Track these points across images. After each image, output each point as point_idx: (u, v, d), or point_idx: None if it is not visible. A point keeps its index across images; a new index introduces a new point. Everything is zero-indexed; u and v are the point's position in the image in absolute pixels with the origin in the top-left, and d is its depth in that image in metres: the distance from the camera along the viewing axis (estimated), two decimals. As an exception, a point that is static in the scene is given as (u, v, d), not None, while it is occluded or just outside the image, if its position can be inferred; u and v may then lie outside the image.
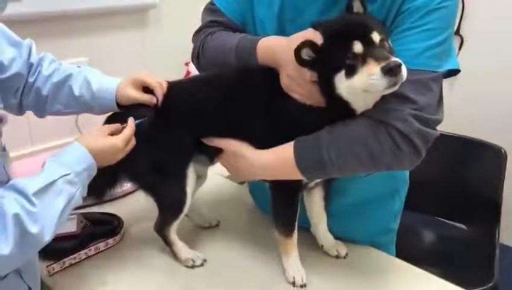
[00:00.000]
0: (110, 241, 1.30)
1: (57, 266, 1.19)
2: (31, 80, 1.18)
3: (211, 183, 1.40)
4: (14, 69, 1.12)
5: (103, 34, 1.94)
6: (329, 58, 0.97)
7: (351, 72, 0.94)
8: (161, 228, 1.24)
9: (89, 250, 1.25)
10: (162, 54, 2.08)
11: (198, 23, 1.28)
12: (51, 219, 0.89)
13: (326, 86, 0.99)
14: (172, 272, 1.22)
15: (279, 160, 1.08)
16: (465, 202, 2.02)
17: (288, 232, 1.17)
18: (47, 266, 1.18)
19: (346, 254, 1.28)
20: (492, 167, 1.98)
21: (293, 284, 1.15)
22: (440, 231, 2.11)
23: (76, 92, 1.19)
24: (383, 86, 0.90)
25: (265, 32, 1.17)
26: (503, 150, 1.97)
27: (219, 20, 1.24)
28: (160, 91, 1.16)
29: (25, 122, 1.62)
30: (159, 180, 1.19)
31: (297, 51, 0.97)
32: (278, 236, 1.19)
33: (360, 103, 1.00)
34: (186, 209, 1.21)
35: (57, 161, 0.96)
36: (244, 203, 1.56)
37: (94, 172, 1.02)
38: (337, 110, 1.01)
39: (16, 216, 0.83)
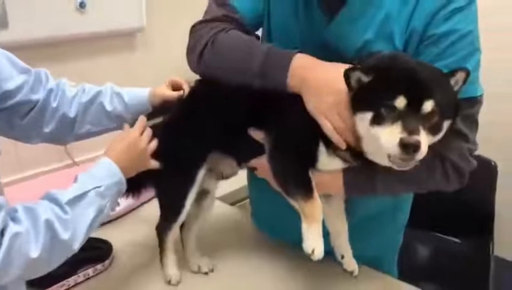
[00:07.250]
0: (99, 266, 1.27)
1: (44, 295, 1.17)
2: (54, 105, 1.18)
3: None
4: (22, 95, 1.12)
5: (90, 58, 1.93)
6: (368, 95, 0.91)
7: (377, 121, 0.89)
8: (161, 228, 1.21)
9: (78, 276, 1.23)
10: (150, 76, 2.08)
11: (185, 45, 1.24)
12: (81, 228, 0.93)
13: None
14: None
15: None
16: (457, 216, 2.01)
17: (307, 193, 1.01)
18: (34, 295, 1.15)
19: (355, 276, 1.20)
20: (484, 179, 1.97)
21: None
22: (434, 245, 2.11)
23: (108, 107, 1.22)
24: (394, 153, 0.87)
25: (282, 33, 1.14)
26: (493, 163, 1.98)
27: (233, 17, 1.15)
28: (187, 86, 1.23)
29: (12, 149, 1.61)
30: (166, 174, 1.16)
31: (347, 74, 0.93)
32: (299, 203, 1.02)
33: (369, 149, 0.97)
34: (184, 213, 1.17)
35: (89, 175, 1.01)
36: (244, 227, 1.52)
37: (124, 187, 1.07)
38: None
39: (47, 221, 0.86)
